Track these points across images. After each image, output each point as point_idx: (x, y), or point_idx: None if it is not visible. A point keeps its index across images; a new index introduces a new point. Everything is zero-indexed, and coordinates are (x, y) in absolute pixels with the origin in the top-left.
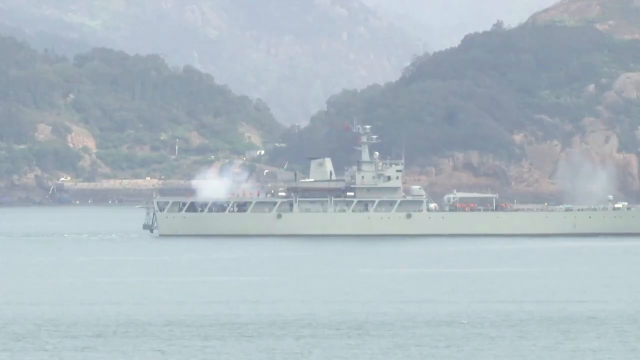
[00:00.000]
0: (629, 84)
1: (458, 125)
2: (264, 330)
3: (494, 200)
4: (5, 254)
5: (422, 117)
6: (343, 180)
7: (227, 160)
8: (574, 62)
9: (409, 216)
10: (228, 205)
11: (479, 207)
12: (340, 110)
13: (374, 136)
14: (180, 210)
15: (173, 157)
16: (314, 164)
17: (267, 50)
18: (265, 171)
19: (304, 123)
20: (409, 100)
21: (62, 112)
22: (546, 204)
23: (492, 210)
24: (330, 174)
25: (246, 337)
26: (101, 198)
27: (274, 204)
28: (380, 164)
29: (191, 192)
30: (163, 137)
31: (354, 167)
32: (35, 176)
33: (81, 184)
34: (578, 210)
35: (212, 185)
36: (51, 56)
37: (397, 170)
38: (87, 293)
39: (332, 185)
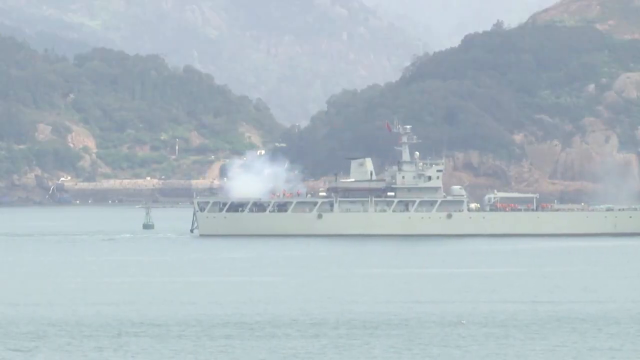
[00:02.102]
0: (629, 84)
1: (458, 125)
2: (274, 330)
3: (535, 200)
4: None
5: (422, 117)
6: (384, 181)
7: (227, 160)
8: (574, 62)
9: (449, 216)
10: (268, 205)
11: (520, 207)
12: (340, 110)
13: (415, 136)
14: (220, 210)
15: (173, 157)
16: (354, 164)
17: (267, 50)
18: (266, 171)
19: (304, 123)
20: (409, 100)
21: (62, 112)
22: (583, 203)
23: (533, 210)
24: (371, 174)
25: (258, 337)
26: (101, 198)
27: (315, 204)
28: (421, 164)
29: (219, 191)
30: (163, 137)
31: (395, 167)
32: (35, 176)
33: (81, 184)
34: (619, 210)
35: (246, 183)
36: (51, 56)
37: (438, 170)
38: (138, 293)
39: (373, 185)
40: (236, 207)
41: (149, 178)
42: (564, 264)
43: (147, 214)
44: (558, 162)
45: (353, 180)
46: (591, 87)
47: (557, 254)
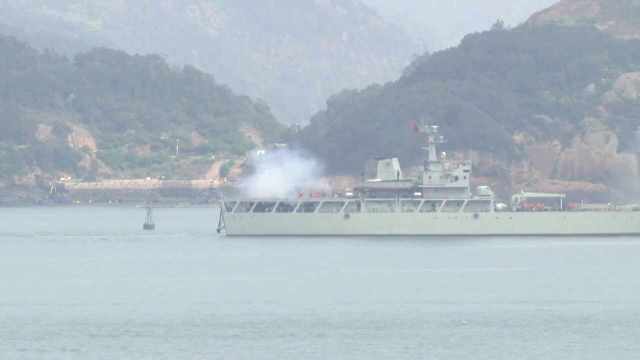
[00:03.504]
0: (629, 84)
1: (458, 125)
2: (279, 330)
3: (561, 200)
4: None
5: (422, 117)
6: (410, 181)
7: (227, 160)
8: (574, 62)
9: (476, 216)
10: (295, 205)
11: (546, 207)
12: (340, 110)
13: (441, 136)
14: (247, 210)
15: (173, 157)
16: (381, 164)
17: (267, 50)
18: (266, 171)
19: (304, 123)
20: (409, 100)
21: (62, 112)
22: (609, 203)
23: (559, 210)
24: (398, 174)
25: (264, 336)
26: (101, 198)
27: (342, 204)
28: (448, 163)
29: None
30: (163, 137)
31: (421, 167)
32: (36, 176)
33: (81, 184)
34: None
35: (270, 181)
36: (51, 56)
37: (465, 170)
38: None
39: (400, 185)
40: (263, 207)
41: (149, 178)
42: (584, 264)
43: (149, 214)
44: (558, 162)
45: (380, 180)
46: (591, 87)
47: (582, 254)
